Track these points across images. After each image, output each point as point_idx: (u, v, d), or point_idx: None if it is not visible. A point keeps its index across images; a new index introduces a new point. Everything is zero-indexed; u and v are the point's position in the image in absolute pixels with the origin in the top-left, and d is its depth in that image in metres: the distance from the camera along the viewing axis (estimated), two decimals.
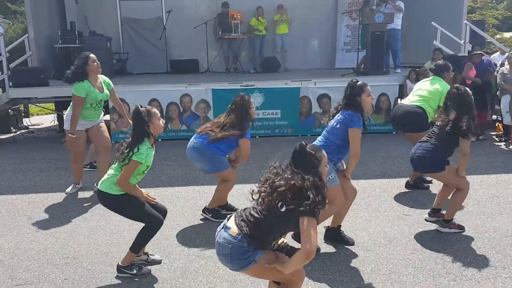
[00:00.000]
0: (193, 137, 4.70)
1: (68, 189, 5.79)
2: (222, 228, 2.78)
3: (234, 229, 2.69)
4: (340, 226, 4.22)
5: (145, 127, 3.54)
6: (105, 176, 3.66)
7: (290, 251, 2.79)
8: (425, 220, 4.61)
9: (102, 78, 5.56)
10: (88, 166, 6.66)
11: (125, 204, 3.60)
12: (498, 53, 10.80)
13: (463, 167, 4.28)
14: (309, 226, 2.51)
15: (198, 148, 4.58)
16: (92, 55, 5.39)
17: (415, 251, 4.02)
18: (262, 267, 2.70)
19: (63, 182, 6.28)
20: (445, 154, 4.36)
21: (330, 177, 3.84)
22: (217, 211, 4.83)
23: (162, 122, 3.72)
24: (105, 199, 3.62)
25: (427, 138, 4.40)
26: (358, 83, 4.05)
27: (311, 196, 2.53)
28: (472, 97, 4.29)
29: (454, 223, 4.43)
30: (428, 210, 4.67)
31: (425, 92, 5.51)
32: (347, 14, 12.57)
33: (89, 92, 5.30)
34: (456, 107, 4.21)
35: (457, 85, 4.48)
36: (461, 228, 4.43)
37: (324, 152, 2.76)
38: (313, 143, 3.29)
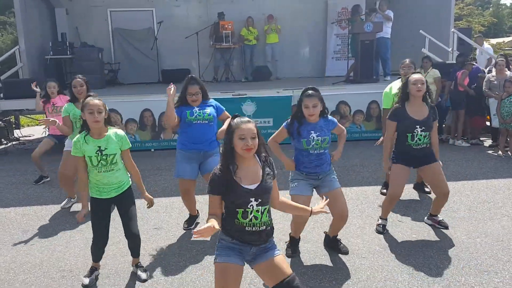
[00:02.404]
0: None
1: (63, 203, 5.75)
2: None
3: None
4: (336, 236, 4.25)
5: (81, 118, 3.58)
6: None
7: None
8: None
9: None
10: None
11: (91, 206, 3.72)
12: None
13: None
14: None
15: None
16: (74, 81, 5.39)
17: (409, 257, 4.08)
18: (216, 271, 2.76)
19: (56, 194, 6.27)
20: (395, 149, 4.59)
21: (293, 185, 3.98)
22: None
23: (95, 117, 3.45)
24: None
25: None
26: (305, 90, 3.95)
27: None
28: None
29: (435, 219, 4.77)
30: (420, 217, 4.75)
31: None
32: (337, 23, 12.75)
33: (70, 110, 5.37)
34: None
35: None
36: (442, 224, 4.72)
37: (243, 124, 2.67)
38: None
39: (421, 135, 4.33)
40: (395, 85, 5.72)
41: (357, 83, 9.71)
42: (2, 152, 9.55)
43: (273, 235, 2.87)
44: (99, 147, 3.53)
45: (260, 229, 2.72)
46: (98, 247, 3.77)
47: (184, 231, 4.85)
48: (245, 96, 8.84)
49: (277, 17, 12.30)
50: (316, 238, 4.49)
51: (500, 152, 7.88)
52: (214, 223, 2.48)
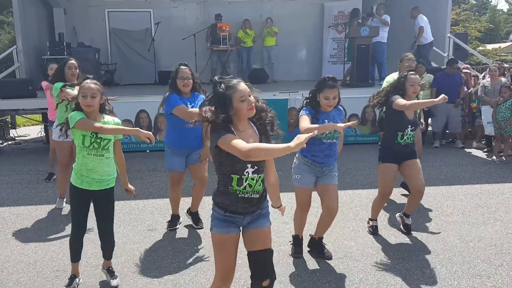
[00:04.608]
0: None
1: (57, 204, 5.72)
2: None
3: None
4: (322, 238, 4.24)
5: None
6: None
7: None
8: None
9: None
10: None
11: (70, 194, 3.60)
12: None
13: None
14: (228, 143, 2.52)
15: None
16: (70, 62, 5.34)
17: (402, 260, 4.10)
18: (214, 242, 2.76)
19: (51, 194, 6.26)
20: (381, 146, 4.58)
21: (297, 177, 3.96)
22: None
23: (87, 101, 3.37)
24: None
25: None
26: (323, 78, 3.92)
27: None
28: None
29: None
30: (413, 220, 4.78)
31: None
32: (333, 27, 12.81)
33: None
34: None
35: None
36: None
37: (237, 85, 2.62)
38: None
39: (409, 134, 4.37)
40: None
41: (352, 87, 9.75)
42: None
43: (267, 201, 2.87)
44: None
45: (252, 196, 2.71)
46: (78, 240, 3.61)
47: (177, 232, 4.87)
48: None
49: (274, 20, 12.34)
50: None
51: (494, 157, 7.92)
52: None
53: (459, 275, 3.80)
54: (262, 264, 2.76)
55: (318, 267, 4.00)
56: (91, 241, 4.62)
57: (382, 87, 5.94)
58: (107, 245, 3.75)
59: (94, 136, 3.43)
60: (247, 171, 2.64)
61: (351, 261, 4.10)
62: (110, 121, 3.54)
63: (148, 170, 7.47)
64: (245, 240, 2.82)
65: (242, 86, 2.63)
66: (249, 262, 2.81)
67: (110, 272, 3.80)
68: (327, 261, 4.11)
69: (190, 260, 4.17)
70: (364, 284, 3.70)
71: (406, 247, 4.39)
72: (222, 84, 2.62)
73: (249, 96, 2.62)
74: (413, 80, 4.32)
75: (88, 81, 3.45)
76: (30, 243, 4.62)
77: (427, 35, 10.25)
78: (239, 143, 2.46)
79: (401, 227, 4.75)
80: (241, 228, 2.81)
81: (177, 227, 4.94)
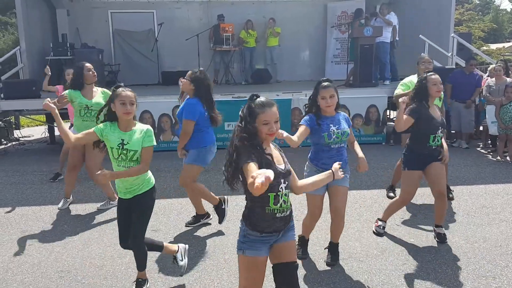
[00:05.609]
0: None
1: (60, 204, 5.72)
2: None
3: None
4: (337, 244, 4.16)
5: (108, 106, 3.40)
6: None
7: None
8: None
9: (101, 89, 5.61)
10: None
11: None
12: None
13: None
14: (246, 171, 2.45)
15: None
16: (87, 64, 5.42)
17: (407, 261, 4.08)
18: (245, 264, 2.65)
19: (55, 194, 6.27)
20: (408, 152, 4.51)
21: None
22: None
23: (127, 109, 3.32)
24: None
25: None
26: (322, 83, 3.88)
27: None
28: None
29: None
30: (418, 221, 4.75)
31: None
32: (336, 27, 12.80)
33: (74, 98, 5.30)
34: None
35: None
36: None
37: (267, 107, 2.57)
38: None
39: (439, 136, 4.34)
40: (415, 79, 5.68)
41: (356, 87, 9.74)
42: (2, 153, 9.56)
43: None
44: (122, 140, 3.36)
45: (287, 213, 2.68)
46: (123, 243, 3.60)
47: (181, 233, 4.86)
48: (245, 98, 8.85)
49: (277, 20, 12.35)
50: (315, 241, 4.49)
51: (498, 157, 7.89)
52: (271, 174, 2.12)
53: (464, 276, 3.79)
54: (287, 276, 2.71)
55: (323, 268, 3.99)
56: (95, 241, 4.63)
57: (402, 89, 5.86)
58: (135, 254, 3.57)
59: (121, 147, 3.37)
60: (281, 187, 2.60)
61: (355, 262, 4.09)
62: (139, 130, 3.44)
63: (152, 170, 7.41)
64: (271, 253, 2.73)
65: (272, 110, 2.56)
66: (274, 274, 2.75)
67: (137, 284, 3.62)
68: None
69: (194, 261, 4.16)
70: (369, 285, 3.69)
71: (410, 248, 4.37)
72: (257, 100, 2.59)
73: (275, 122, 2.57)
74: (434, 80, 4.28)
75: (122, 88, 3.38)
76: (35, 243, 4.63)
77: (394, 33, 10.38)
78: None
79: (436, 238, 4.55)
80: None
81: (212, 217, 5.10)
